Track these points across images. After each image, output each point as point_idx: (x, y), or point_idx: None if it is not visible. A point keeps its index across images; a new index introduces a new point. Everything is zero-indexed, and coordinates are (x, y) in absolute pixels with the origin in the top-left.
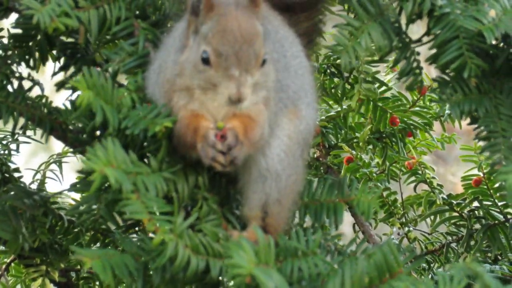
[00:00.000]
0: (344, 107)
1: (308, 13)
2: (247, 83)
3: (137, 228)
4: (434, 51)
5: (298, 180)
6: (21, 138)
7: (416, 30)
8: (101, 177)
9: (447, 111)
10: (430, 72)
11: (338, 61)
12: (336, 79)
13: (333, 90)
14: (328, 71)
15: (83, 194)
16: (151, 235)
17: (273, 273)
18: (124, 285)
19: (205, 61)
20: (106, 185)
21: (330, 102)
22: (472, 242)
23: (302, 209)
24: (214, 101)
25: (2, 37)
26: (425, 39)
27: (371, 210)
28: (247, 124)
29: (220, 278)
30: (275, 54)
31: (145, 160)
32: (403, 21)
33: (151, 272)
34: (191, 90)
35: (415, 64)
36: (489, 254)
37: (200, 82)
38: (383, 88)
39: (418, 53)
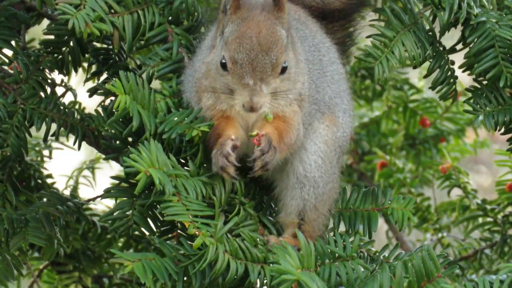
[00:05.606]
0: (376, 113)
1: (343, 22)
2: (262, 92)
3: (170, 235)
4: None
5: (334, 188)
6: (54, 145)
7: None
8: (146, 178)
9: (480, 118)
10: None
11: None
12: (367, 81)
13: (363, 92)
14: (359, 73)
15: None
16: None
17: (317, 279)
18: None
19: (224, 66)
20: (140, 190)
21: (361, 102)
22: (506, 248)
23: (336, 217)
24: (234, 106)
25: (33, 46)
26: (458, 47)
27: (405, 219)
28: (282, 129)
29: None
30: (310, 57)
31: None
32: (436, 29)
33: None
34: (216, 92)
35: (449, 73)
36: None
37: (221, 86)
38: (413, 90)
39: (453, 62)
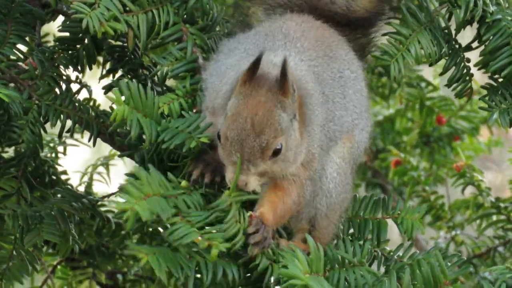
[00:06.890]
0: (390, 111)
1: (366, 30)
2: (249, 172)
3: None
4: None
5: (346, 198)
6: (68, 141)
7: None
8: (134, 215)
9: (494, 116)
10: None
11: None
12: (383, 78)
13: (380, 89)
14: (376, 70)
15: None
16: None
17: (325, 283)
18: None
19: (219, 137)
20: (131, 228)
21: (377, 99)
22: None
23: (346, 224)
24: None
25: (48, 41)
26: (474, 45)
27: (414, 229)
28: (278, 203)
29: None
30: (337, 91)
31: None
32: (452, 27)
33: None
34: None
35: (465, 71)
36: None
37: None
38: (430, 87)
39: (468, 60)
